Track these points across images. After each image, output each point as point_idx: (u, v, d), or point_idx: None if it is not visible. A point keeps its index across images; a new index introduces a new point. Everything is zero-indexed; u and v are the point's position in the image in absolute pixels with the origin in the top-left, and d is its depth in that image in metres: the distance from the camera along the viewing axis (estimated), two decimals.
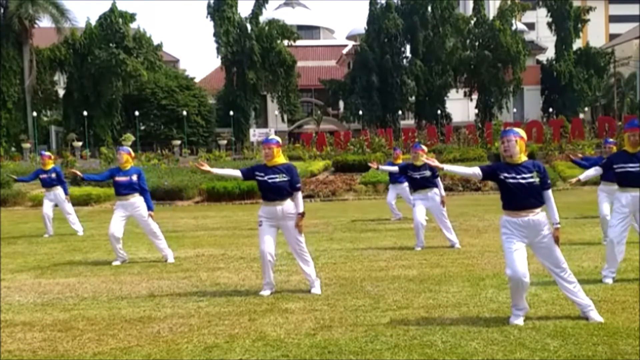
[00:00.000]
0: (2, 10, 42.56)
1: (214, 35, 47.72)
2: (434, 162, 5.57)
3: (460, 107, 54.52)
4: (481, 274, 7.37)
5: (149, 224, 9.02)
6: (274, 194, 6.54)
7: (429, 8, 48.54)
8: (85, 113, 42.25)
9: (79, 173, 10.76)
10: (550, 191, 5.27)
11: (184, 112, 45.62)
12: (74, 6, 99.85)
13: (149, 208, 9.06)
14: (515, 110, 50.98)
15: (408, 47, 49.99)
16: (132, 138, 41.75)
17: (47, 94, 45.44)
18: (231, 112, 46.53)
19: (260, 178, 6.58)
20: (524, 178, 5.15)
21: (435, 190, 9.63)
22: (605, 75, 53.38)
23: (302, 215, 6.57)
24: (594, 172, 7.54)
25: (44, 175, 12.89)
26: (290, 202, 6.58)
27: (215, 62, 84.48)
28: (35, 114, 42.93)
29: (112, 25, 44.00)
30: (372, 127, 44.00)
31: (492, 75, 47.91)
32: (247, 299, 6.41)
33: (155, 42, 48.51)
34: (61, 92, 46.27)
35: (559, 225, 5.25)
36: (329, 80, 51.61)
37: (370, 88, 47.63)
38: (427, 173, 9.50)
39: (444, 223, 9.64)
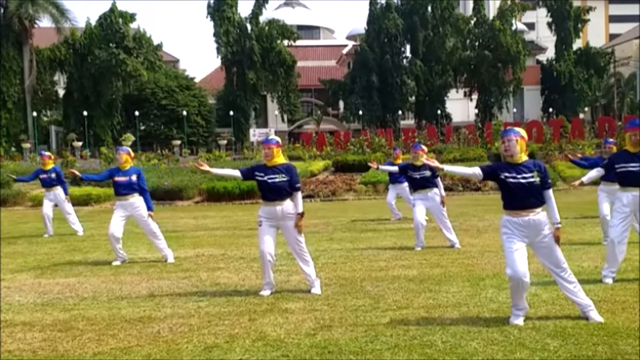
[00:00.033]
0: (2, 10, 42.58)
1: (214, 35, 47.74)
2: (434, 163, 5.56)
3: (460, 107, 54.53)
4: (481, 274, 7.37)
5: (149, 224, 9.01)
6: (274, 194, 6.54)
7: (429, 8, 48.55)
8: (85, 113, 42.26)
9: (77, 173, 10.76)
10: (550, 191, 5.27)
11: (184, 112, 45.64)
12: (74, 6, 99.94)
13: (149, 208, 9.06)
14: (515, 110, 50.99)
15: (408, 47, 50.01)
16: (132, 138, 41.76)
17: (47, 94, 45.45)
18: (231, 112, 46.55)
19: (259, 178, 6.58)
20: (524, 178, 5.14)
21: (435, 190, 9.62)
22: (605, 75, 53.39)
23: (302, 215, 6.57)
24: (596, 173, 7.52)
25: (44, 175, 12.88)
26: (290, 202, 6.58)
27: (215, 62, 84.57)
28: (35, 114, 42.94)
29: (112, 25, 44.01)
30: (372, 127, 44.01)
31: (492, 75, 47.93)
32: (247, 299, 6.41)
33: (155, 42, 48.56)
34: (61, 92, 46.28)
35: (559, 225, 5.25)
36: (329, 80, 51.63)
37: (370, 88, 47.64)
38: (427, 173, 9.49)
39: (444, 223, 9.64)
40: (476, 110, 50.24)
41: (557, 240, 5.21)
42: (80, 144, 41.87)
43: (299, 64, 52.31)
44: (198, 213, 17.40)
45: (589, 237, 10.09)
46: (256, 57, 47.20)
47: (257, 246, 6.82)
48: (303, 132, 49.35)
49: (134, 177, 9.04)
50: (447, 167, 5.67)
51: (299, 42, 52.35)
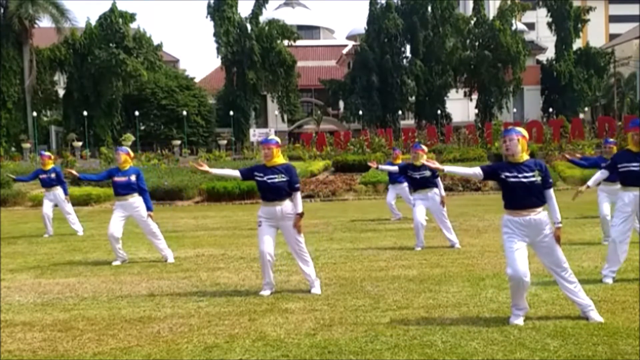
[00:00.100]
0: (2, 10, 42.57)
1: (214, 35, 47.74)
2: (435, 164, 5.57)
3: (460, 107, 54.53)
4: (481, 274, 7.37)
5: (149, 224, 9.01)
6: (273, 194, 6.54)
7: (429, 8, 48.55)
8: (85, 113, 42.25)
9: (75, 172, 10.77)
10: (551, 190, 5.27)
11: (184, 112, 45.63)
12: (74, 6, 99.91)
13: (148, 208, 9.06)
14: (515, 110, 50.99)
15: (408, 47, 50.01)
16: (132, 138, 41.76)
17: (47, 94, 45.44)
18: (231, 112, 46.54)
19: (259, 178, 6.59)
20: (525, 177, 5.14)
21: (435, 190, 9.62)
22: (605, 75, 53.39)
23: (301, 215, 6.56)
24: (600, 175, 7.48)
25: (44, 176, 12.89)
26: (289, 202, 6.58)
27: (215, 62, 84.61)
28: (35, 114, 42.94)
29: (112, 25, 44.00)
30: (372, 127, 44.01)
31: (492, 75, 47.93)
32: (247, 299, 6.41)
33: (155, 42, 48.53)
34: (61, 92, 46.27)
35: (560, 225, 5.24)
36: (329, 80, 51.62)
37: (370, 88, 47.64)
38: (427, 173, 9.49)
39: (444, 223, 9.64)
40: (476, 110, 50.24)
41: (557, 239, 5.21)
42: (80, 144, 41.87)
43: (299, 64, 52.31)
44: (198, 213, 17.40)
45: (589, 237, 10.09)
46: (256, 57, 47.20)
47: (257, 246, 6.83)
48: (303, 132, 49.35)
49: (133, 177, 9.03)
50: (448, 168, 5.67)
51: (299, 42, 52.34)
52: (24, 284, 7.65)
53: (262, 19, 49.65)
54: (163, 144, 43.80)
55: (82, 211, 17.09)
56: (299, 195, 6.62)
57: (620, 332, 4.84)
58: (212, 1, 47.90)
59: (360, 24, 74.42)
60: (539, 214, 5.18)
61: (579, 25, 51.53)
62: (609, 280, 6.61)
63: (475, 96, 50.93)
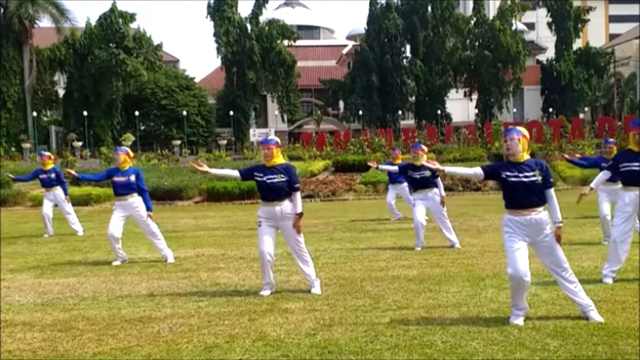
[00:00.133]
0: (2, 10, 42.58)
1: (214, 35, 47.75)
2: (435, 165, 5.57)
3: (460, 107, 54.54)
4: (481, 274, 7.37)
5: (148, 224, 9.01)
6: (273, 194, 6.54)
7: (429, 8, 48.57)
8: (85, 113, 42.26)
9: (73, 172, 10.77)
10: (552, 190, 5.27)
11: (184, 112, 45.63)
12: (74, 6, 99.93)
13: (148, 208, 9.05)
14: (515, 110, 51.00)
15: (408, 47, 50.01)
16: (132, 138, 41.77)
17: (47, 94, 45.45)
18: (231, 112, 46.55)
19: (258, 178, 6.59)
20: (526, 176, 5.14)
21: (435, 190, 9.62)
22: (605, 75, 53.39)
23: (300, 215, 6.56)
24: (603, 176, 7.47)
25: (44, 176, 12.89)
26: (289, 202, 6.58)
27: (215, 62, 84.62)
28: (35, 114, 42.94)
29: (112, 25, 44.01)
30: (372, 127, 44.02)
31: (492, 75, 47.93)
32: (247, 299, 6.41)
33: (155, 42, 48.54)
34: (61, 92, 46.27)
35: (561, 224, 5.24)
36: (329, 80, 51.63)
37: (370, 88, 47.64)
38: (427, 173, 9.48)
39: (444, 223, 9.64)
40: (476, 110, 50.25)
41: (558, 239, 5.21)
42: (80, 144, 41.87)
43: (299, 64, 52.31)
44: (198, 213, 17.40)
45: (589, 237, 10.09)
46: (256, 57, 47.20)
47: (257, 246, 6.82)
48: (303, 132, 49.36)
49: (132, 178, 9.03)
50: (448, 169, 5.67)
51: (299, 42, 52.34)
52: (24, 284, 7.65)
53: (262, 19, 49.67)
54: (163, 144, 43.80)
55: (82, 211, 17.09)
56: (298, 195, 6.62)
57: (620, 332, 4.84)
58: (212, 1, 47.91)
59: (360, 24, 74.52)
60: (540, 214, 5.18)
61: (579, 25, 51.54)
62: (609, 280, 6.61)
63: (475, 96, 50.94)
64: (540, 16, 58.10)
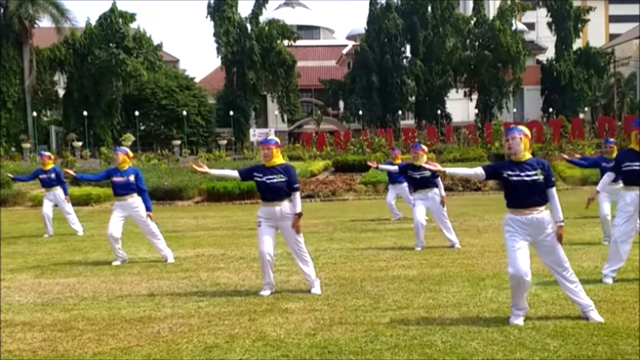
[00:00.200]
0: (2, 10, 42.57)
1: (214, 35, 47.74)
2: (436, 167, 5.56)
3: (460, 107, 54.53)
4: (481, 274, 7.37)
5: (148, 224, 9.01)
6: (272, 194, 6.54)
7: (429, 8, 48.56)
8: (85, 113, 42.25)
9: (71, 172, 10.77)
10: (554, 189, 5.27)
11: (184, 112, 45.63)
12: (74, 6, 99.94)
13: (147, 208, 9.04)
14: (515, 110, 51.00)
15: (408, 47, 50.01)
16: (132, 138, 41.76)
17: (47, 94, 45.44)
18: (231, 112, 46.54)
19: (258, 179, 6.59)
20: (528, 175, 5.14)
21: (436, 190, 9.62)
22: (605, 75, 53.39)
23: (299, 215, 6.56)
24: (607, 178, 7.47)
25: (44, 176, 12.89)
26: (288, 202, 6.58)
27: (215, 62, 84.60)
28: (35, 114, 42.93)
29: (112, 25, 44.00)
30: (372, 127, 44.03)
31: (492, 75, 47.93)
32: (247, 299, 6.41)
33: (155, 42, 48.53)
34: (61, 92, 46.27)
35: (562, 224, 5.23)
36: (329, 80, 51.63)
37: (370, 88, 47.64)
38: (427, 173, 9.47)
39: (444, 223, 9.63)
40: (476, 110, 50.25)
41: (559, 238, 5.21)
42: (80, 144, 41.87)
43: (299, 64, 52.31)
44: (198, 213, 17.40)
45: (589, 237, 10.09)
46: (256, 57, 47.20)
47: (257, 246, 6.82)
48: (303, 132, 49.36)
49: (131, 178, 9.02)
50: (449, 170, 5.67)
51: (299, 42, 52.34)
52: (24, 284, 7.65)
53: (262, 19, 49.66)
54: (163, 144, 43.80)
55: (82, 211, 17.09)
56: (298, 195, 6.62)
57: (620, 332, 4.84)
58: (212, 1, 47.91)
59: (360, 24, 74.51)
60: (541, 213, 5.17)
61: (579, 25, 51.53)
62: (609, 280, 6.60)
63: (475, 96, 50.94)
64: (540, 16, 58.10)
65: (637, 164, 6.59)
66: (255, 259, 8.40)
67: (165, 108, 48.38)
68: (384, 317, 5.53)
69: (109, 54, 42.78)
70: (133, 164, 9.55)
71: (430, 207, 9.66)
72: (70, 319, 5.83)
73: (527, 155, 5.24)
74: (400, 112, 48.85)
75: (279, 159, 6.65)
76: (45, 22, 44.02)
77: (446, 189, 14.38)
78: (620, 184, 7.13)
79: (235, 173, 6.90)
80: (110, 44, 43.83)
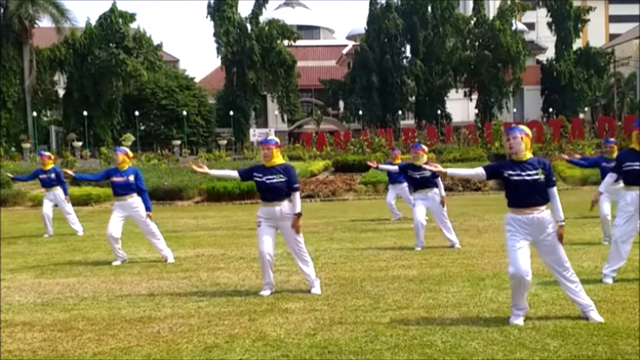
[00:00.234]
0: (2, 10, 42.55)
1: (214, 35, 47.73)
2: (437, 168, 5.56)
3: (460, 107, 54.52)
4: (481, 274, 7.37)
5: (148, 224, 9.01)
6: (272, 194, 6.54)
7: (429, 8, 48.55)
8: (85, 113, 42.24)
9: (70, 172, 10.78)
10: (555, 188, 5.27)
11: (184, 112, 45.62)
12: (74, 6, 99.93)
13: (147, 208, 9.04)
14: (515, 110, 50.99)
15: (408, 47, 50.00)
16: (132, 138, 41.75)
17: (47, 94, 45.42)
18: (231, 112, 46.54)
19: (258, 179, 6.59)
20: (529, 175, 5.14)
21: (436, 190, 9.62)
22: (605, 75, 53.37)
23: (299, 215, 6.56)
24: (609, 179, 7.47)
25: (44, 176, 12.89)
26: (288, 202, 6.58)
27: (215, 62, 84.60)
28: (35, 114, 42.92)
29: (112, 25, 43.99)
30: (372, 127, 44.02)
31: (492, 75, 47.92)
32: (247, 299, 6.41)
33: (155, 42, 48.50)
34: (61, 92, 46.25)
35: (563, 223, 5.23)
36: (329, 80, 51.62)
37: (370, 88, 47.63)
38: (427, 173, 9.45)
39: (444, 223, 9.63)
40: (476, 110, 50.24)
41: (560, 238, 5.20)
42: (80, 144, 41.87)
43: (299, 64, 52.30)
44: (198, 213, 17.40)
45: (589, 237, 10.09)
46: (256, 57, 47.19)
47: (257, 246, 6.82)
48: (303, 132, 49.36)
49: (131, 178, 9.02)
50: (450, 171, 5.67)
51: (299, 42, 52.33)
52: (24, 284, 7.65)
53: (262, 19, 49.65)
54: (163, 144, 43.79)
55: (82, 211, 17.09)
56: (297, 195, 6.62)
57: (620, 332, 4.84)
58: (212, 1, 47.90)
59: (360, 24, 74.50)
60: (542, 212, 5.17)
61: (579, 25, 51.52)
62: (609, 280, 6.60)
63: (475, 96, 50.93)
64: (540, 16, 58.09)
65: (638, 163, 6.59)
66: (255, 259, 8.40)
67: (165, 108, 48.37)
68: (384, 317, 5.53)
69: (109, 54, 42.77)
70: (133, 164, 9.55)
71: (430, 207, 9.66)
72: (70, 319, 5.83)
73: (528, 155, 5.24)
74: (400, 112, 48.85)
75: (278, 159, 6.65)
76: (45, 22, 44.07)
77: (446, 189, 14.38)
78: (621, 184, 7.13)
79: (235, 173, 6.89)
80: (110, 44, 43.82)
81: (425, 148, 10.30)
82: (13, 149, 41.28)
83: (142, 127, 48.39)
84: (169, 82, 49.19)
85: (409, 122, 51.57)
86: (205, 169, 6.76)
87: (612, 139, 10.67)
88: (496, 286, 6.61)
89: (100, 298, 6.70)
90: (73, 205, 13.81)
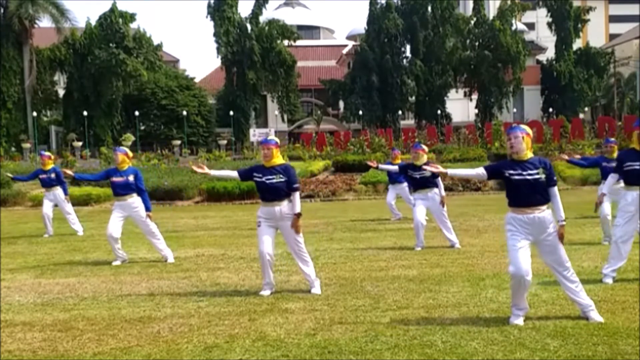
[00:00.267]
0: (2, 10, 42.55)
1: (214, 35, 47.73)
2: (438, 169, 5.56)
3: (460, 107, 54.53)
4: (481, 274, 7.37)
5: (147, 225, 9.01)
6: (272, 194, 6.54)
7: (429, 8, 48.55)
8: (85, 113, 42.24)
9: (69, 172, 10.78)
10: (556, 188, 5.27)
11: (184, 112, 45.63)
12: (74, 6, 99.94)
13: (147, 208, 9.04)
14: (515, 110, 50.99)
15: (408, 47, 50.00)
16: (132, 138, 41.75)
17: (47, 94, 45.42)
18: (231, 112, 46.54)
19: (257, 179, 6.59)
20: (530, 174, 5.14)
21: (436, 190, 9.61)
22: (605, 75, 53.37)
23: (298, 215, 6.55)
24: (612, 180, 7.47)
25: (44, 176, 12.89)
26: (288, 202, 6.58)
27: (215, 62, 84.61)
28: (35, 114, 42.92)
29: (112, 25, 43.99)
30: (372, 127, 44.02)
31: (492, 75, 47.92)
32: (247, 299, 6.41)
33: (155, 42, 48.51)
34: (61, 92, 46.26)
35: (564, 223, 5.23)
36: (329, 80, 51.62)
37: (370, 88, 47.63)
38: (427, 173, 9.44)
39: (444, 223, 9.63)
40: (476, 110, 50.24)
41: (560, 237, 5.20)
42: (80, 144, 41.87)
43: (299, 64, 52.29)
44: (198, 213, 17.40)
45: (589, 237, 10.09)
46: (256, 57, 47.19)
47: (257, 246, 6.82)
48: (303, 132, 49.36)
49: (131, 178, 9.02)
50: (451, 172, 5.67)
51: (299, 42, 52.32)
52: (24, 284, 7.65)
53: (262, 19, 49.65)
54: (163, 144, 43.79)
55: (82, 211, 17.09)
56: (297, 195, 6.62)
57: (620, 332, 4.84)
58: (212, 1, 47.90)
59: (360, 24, 74.52)
60: (543, 212, 5.17)
61: (579, 25, 51.51)
62: (609, 280, 6.60)
63: (475, 96, 50.93)
64: (540, 16, 58.09)
65: (638, 163, 6.59)
66: (255, 259, 8.40)
67: (165, 108, 48.37)
68: (384, 317, 5.53)
69: (109, 54, 42.77)
70: (133, 164, 9.55)
71: (430, 207, 9.65)
72: (70, 319, 5.83)
73: (529, 154, 5.24)
74: (400, 112, 48.85)
75: (278, 159, 6.65)
76: (45, 22, 44.06)
77: (446, 189, 14.38)
78: (621, 184, 7.13)
79: (234, 173, 6.89)
80: (110, 44, 43.82)
81: (426, 148, 10.29)
82: (13, 149, 41.28)
83: (142, 127, 48.39)
84: (169, 82, 49.19)
85: (409, 122, 51.57)
86: (206, 170, 6.76)
87: (612, 139, 10.67)
88: (496, 286, 6.61)
89: (100, 298, 6.70)
90: (73, 205, 13.82)
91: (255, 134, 45.56)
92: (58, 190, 12.80)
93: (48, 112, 50.11)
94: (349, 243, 10.46)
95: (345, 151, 33.28)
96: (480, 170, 5.41)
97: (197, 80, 55.49)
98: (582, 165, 11.01)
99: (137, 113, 44.87)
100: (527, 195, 5.15)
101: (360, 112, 47.12)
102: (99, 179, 10.15)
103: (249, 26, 48.56)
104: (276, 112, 51.85)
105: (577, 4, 52.86)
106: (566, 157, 11.41)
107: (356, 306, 5.97)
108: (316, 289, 6.61)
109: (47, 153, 13.65)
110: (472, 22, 49.90)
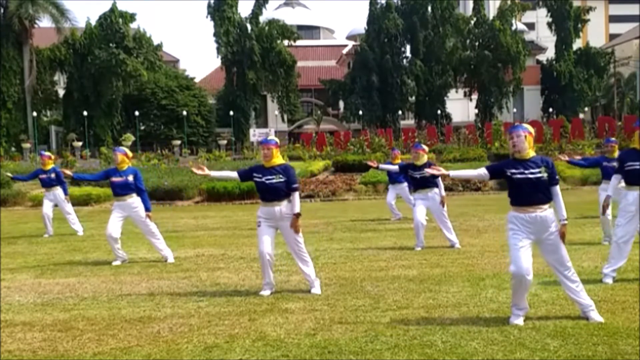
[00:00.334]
0: (2, 10, 42.56)
1: (214, 35, 47.75)
2: (440, 171, 5.54)
3: (460, 107, 54.54)
4: (481, 274, 7.36)
5: (147, 225, 9.01)
6: (271, 194, 6.54)
7: (429, 8, 48.57)
8: (85, 113, 42.25)
9: (68, 172, 10.78)
10: (558, 187, 5.27)
11: (184, 112, 45.64)
12: (74, 6, 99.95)
13: (147, 209, 9.03)
14: (515, 110, 50.99)
15: (408, 47, 50.02)
16: (132, 138, 41.76)
17: (47, 94, 45.43)
18: (231, 112, 46.55)
19: (257, 179, 6.59)
20: (532, 173, 5.14)
21: (436, 190, 9.61)
22: (605, 75, 53.38)
23: (298, 216, 6.55)
24: (615, 181, 7.43)
25: (44, 176, 12.89)
26: (288, 202, 6.58)
27: (215, 62, 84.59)
28: (35, 114, 42.93)
29: (112, 25, 43.99)
30: (372, 127, 44.03)
31: (492, 75, 47.93)
32: (247, 299, 6.41)
33: (155, 42, 48.50)
34: (61, 92, 46.26)
35: (566, 222, 5.22)
36: (329, 80, 51.63)
37: (370, 88, 47.64)
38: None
39: (444, 223, 9.63)
40: (476, 110, 50.25)
41: (562, 236, 5.20)
42: (80, 144, 41.88)
43: (299, 64, 52.30)
44: (198, 213, 17.40)
45: (589, 237, 10.08)
46: (256, 57, 47.20)
47: (257, 246, 6.82)
48: (303, 132, 49.37)
49: (130, 178, 9.01)
50: (453, 173, 5.67)
51: (299, 42, 52.34)
52: (24, 284, 7.65)
53: (262, 19, 49.66)
54: (163, 144, 43.80)
55: (82, 211, 17.09)
56: (297, 195, 6.61)
57: (620, 332, 4.84)
58: (212, 1, 47.91)
59: (360, 24, 74.50)
60: (545, 211, 5.16)
61: (579, 25, 51.53)
62: (609, 280, 6.60)
63: (475, 96, 50.94)
64: (540, 16, 58.10)
65: (638, 163, 6.59)
66: (255, 259, 8.40)
67: (165, 108, 48.39)
68: (384, 317, 5.53)
69: (109, 54, 42.78)
70: (133, 164, 9.55)
71: (430, 207, 9.65)
72: (70, 319, 5.83)
73: (531, 153, 5.24)
74: (400, 112, 48.86)
75: (278, 159, 6.65)
76: (45, 22, 44.08)
77: (446, 189, 14.36)
78: (622, 184, 7.12)
79: (234, 174, 6.89)
80: (110, 44, 43.82)
81: (426, 148, 10.28)
82: (13, 149, 41.29)
83: (142, 127, 48.41)
84: (169, 82, 49.20)
85: (409, 122, 51.58)
86: (205, 171, 6.75)
87: (613, 139, 10.65)
88: (496, 286, 6.60)
89: (100, 298, 6.70)
90: (73, 205, 13.82)
91: (255, 134, 45.56)
92: (58, 190, 12.80)
93: (48, 112, 50.14)
94: (349, 243, 10.46)
95: (345, 151, 33.28)
96: (482, 171, 5.41)
97: (197, 80, 55.52)
98: (582, 166, 10.99)
99: (137, 113, 44.88)
100: (529, 194, 5.14)
101: (360, 112, 47.13)
102: (98, 179, 10.15)
103: (249, 26, 48.58)
104: (276, 112, 51.85)
105: (577, 4, 52.88)
106: (566, 157, 11.38)
107: (356, 306, 5.96)
108: (316, 289, 6.61)
109: (47, 153, 13.65)
110: (472, 22, 49.92)
